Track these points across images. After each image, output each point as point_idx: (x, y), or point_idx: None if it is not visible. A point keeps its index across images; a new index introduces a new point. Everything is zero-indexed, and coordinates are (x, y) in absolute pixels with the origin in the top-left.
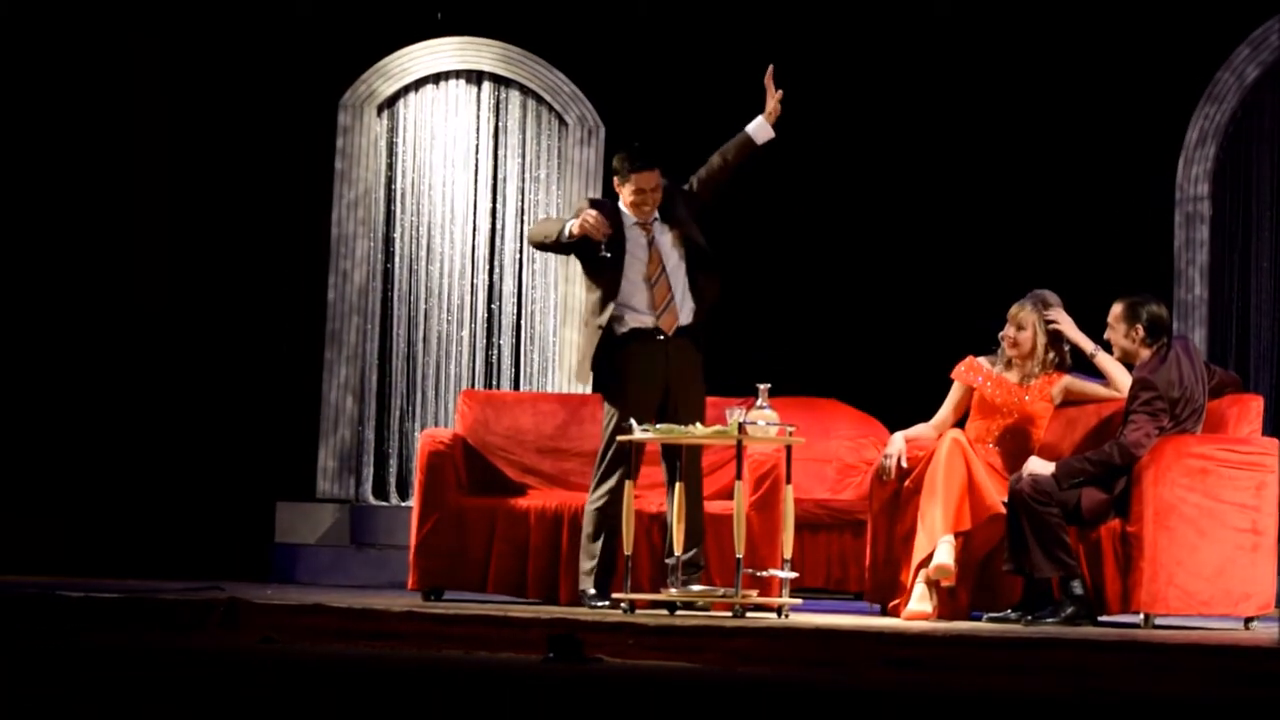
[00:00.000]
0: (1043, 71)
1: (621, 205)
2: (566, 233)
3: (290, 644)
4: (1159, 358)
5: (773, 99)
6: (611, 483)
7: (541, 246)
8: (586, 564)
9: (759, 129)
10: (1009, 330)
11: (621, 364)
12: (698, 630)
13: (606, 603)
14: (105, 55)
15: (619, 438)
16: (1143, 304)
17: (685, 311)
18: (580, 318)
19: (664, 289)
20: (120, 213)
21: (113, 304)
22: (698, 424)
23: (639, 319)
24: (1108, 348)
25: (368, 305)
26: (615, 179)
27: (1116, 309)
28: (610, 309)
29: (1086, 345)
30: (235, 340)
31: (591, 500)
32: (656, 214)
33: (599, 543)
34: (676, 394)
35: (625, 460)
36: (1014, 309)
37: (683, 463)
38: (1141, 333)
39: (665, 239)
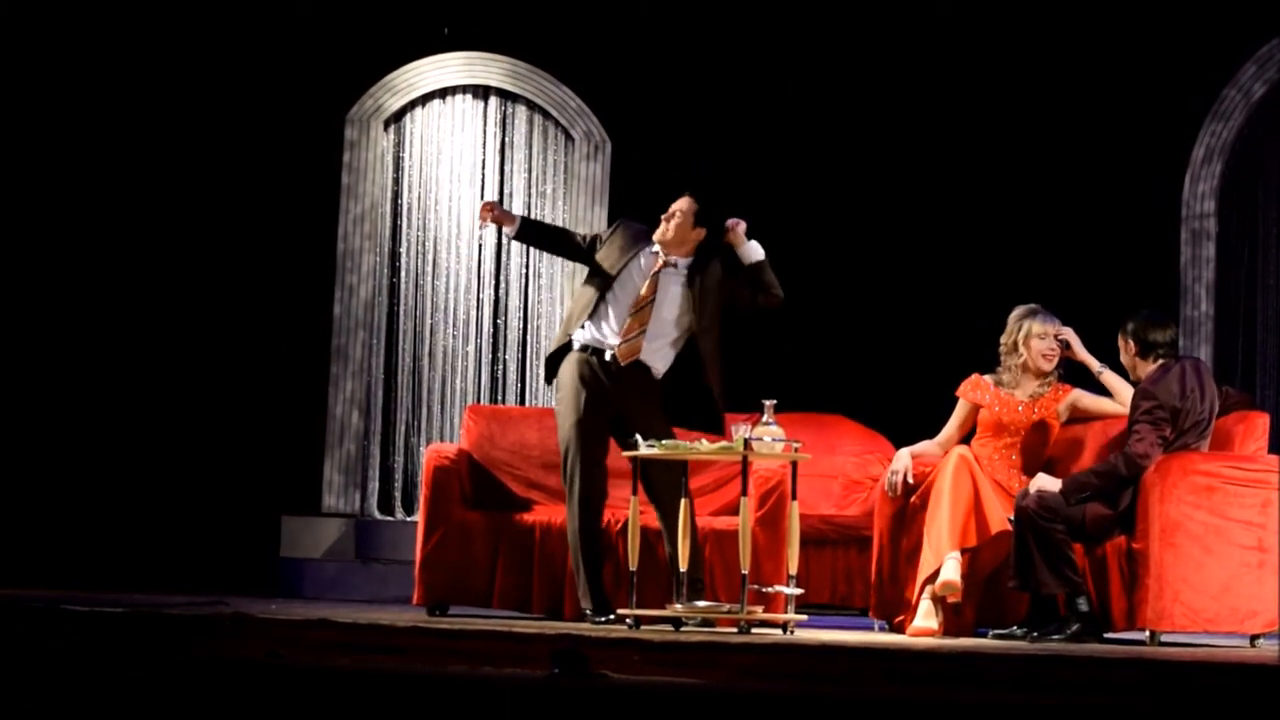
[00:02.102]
0: (1049, 88)
1: (655, 236)
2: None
3: (296, 659)
4: (1160, 370)
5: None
6: (577, 499)
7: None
8: (580, 583)
9: (745, 255)
10: (1053, 345)
11: (569, 374)
12: (703, 646)
13: (609, 617)
14: (110, 67)
15: (624, 454)
16: (1135, 320)
17: (653, 356)
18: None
19: (640, 321)
20: (127, 225)
21: (118, 317)
22: (703, 440)
23: (599, 339)
24: (1116, 367)
25: (373, 320)
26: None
27: (1119, 332)
28: (579, 322)
29: (1093, 364)
30: (241, 354)
31: (568, 519)
32: (678, 264)
33: (583, 560)
34: (635, 421)
35: (587, 475)
36: (1043, 325)
37: (682, 482)
38: (1134, 348)
39: (674, 287)
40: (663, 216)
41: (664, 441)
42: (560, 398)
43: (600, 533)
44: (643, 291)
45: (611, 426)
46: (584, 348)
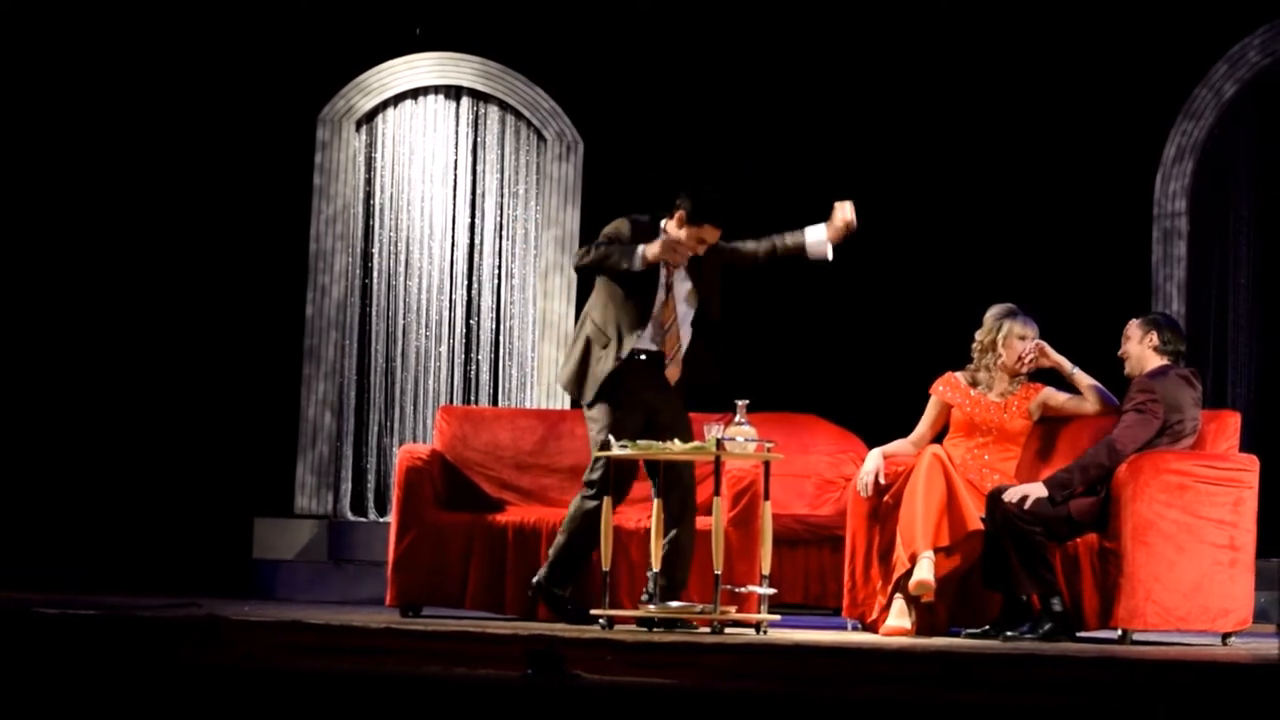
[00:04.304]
0: (1020, 88)
1: (664, 230)
2: (638, 263)
3: (269, 660)
4: (1163, 369)
5: (840, 218)
6: (595, 491)
7: (592, 271)
8: (553, 563)
9: (816, 244)
10: (1031, 348)
11: (616, 379)
12: (676, 646)
13: (557, 590)
14: (81, 68)
15: (599, 454)
16: (1163, 316)
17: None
18: (584, 329)
19: (675, 338)
20: (96, 225)
21: (88, 317)
22: (676, 440)
23: (641, 344)
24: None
25: (346, 321)
26: (679, 212)
27: (1134, 320)
28: (631, 341)
29: (1065, 365)
30: (213, 355)
31: (572, 504)
32: (685, 262)
33: (569, 540)
34: (665, 417)
35: (609, 469)
36: (1023, 326)
37: (667, 482)
38: (1156, 340)
39: (682, 288)
40: (689, 247)
41: (639, 441)
42: (597, 405)
43: (594, 528)
44: (665, 311)
45: (644, 423)
46: (618, 358)
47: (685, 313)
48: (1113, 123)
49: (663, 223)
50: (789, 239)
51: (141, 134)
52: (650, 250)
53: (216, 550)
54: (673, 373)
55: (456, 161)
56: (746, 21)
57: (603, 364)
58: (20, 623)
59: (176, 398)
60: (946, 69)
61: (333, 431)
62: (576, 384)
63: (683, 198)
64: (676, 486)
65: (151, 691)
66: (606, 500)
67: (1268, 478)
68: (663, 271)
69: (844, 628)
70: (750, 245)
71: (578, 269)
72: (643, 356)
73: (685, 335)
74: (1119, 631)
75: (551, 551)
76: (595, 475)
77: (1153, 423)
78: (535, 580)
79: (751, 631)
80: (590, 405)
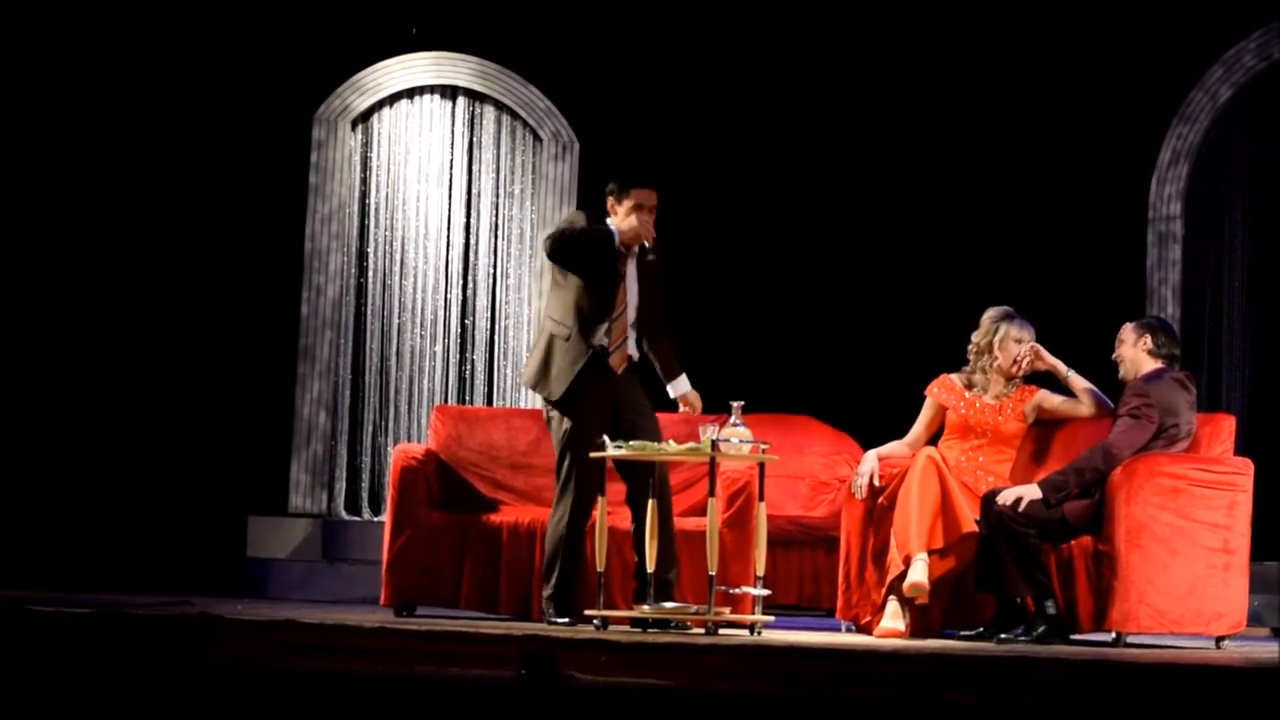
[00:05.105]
0: (1015, 91)
1: (611, 225)
2: (616, 239)
3: (262, 660)
4: (1158, 372)
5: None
6: (570, 500)
7: (563, 253)
8: (547, 582)
9: (677, 386)
10: (1027, 352)
11: (581, 374)
12: (670, 647)
13: (567, 620)
14: (80, 66)
15: (591, 454)
16: (1157, 320)
17: (631, 346)
18: (546, 326)
19: (622, 327)
20: (92, 225)
21: (83, 316)
22: (670, 441)
23: (599, 339)
24: (1083, 372)
25: (341, 320)
26: (609, 200)
27: (1129, 324)
28: (594, 335)
29: (1060, 368)
30: (208, 354)
31: (551, 518)
32: (635, 249)
33: (558, 561)
34: (629, 419)
35: (587, 477)
36: (1019, 330)
37: (655, 481)
38: (1150, 343)
39: (630, 273)
40: (638, 217)
41: (631, 442)
42: (560, 397)
43: (584, 535)
44: (617, 299)
45: (609, 425)
46: (584, 350)
47: (634, 301)
48: (1108, 126)
49: (630, 238)
50: (668, 369)
51: (138, 133)
52: (623, 224)
53: (210, 549)
54: (617, 359)
55: (452, 161)
56: (743, 21)
57: (568, 357)
58: (15, 621)
59: (171, 396)
60: (943, 72)
61: (327, 430)
62: (543, 380)
63: (609, 189)
64: (660, 484)
65: (145, 690)
66: (601, 500)
67: (1262, 481)
68: (619, 265)
69: (838, 629)
70: (661, 338)
71: (552, 255)
72: (599, 354)
73: (633, 324)
74: (1113, 634)
75: (552, 583)
76: (569, 481)
77: (1148, 427)
78: (547, 615)
79: (745, 633)
80: (555, 402)
